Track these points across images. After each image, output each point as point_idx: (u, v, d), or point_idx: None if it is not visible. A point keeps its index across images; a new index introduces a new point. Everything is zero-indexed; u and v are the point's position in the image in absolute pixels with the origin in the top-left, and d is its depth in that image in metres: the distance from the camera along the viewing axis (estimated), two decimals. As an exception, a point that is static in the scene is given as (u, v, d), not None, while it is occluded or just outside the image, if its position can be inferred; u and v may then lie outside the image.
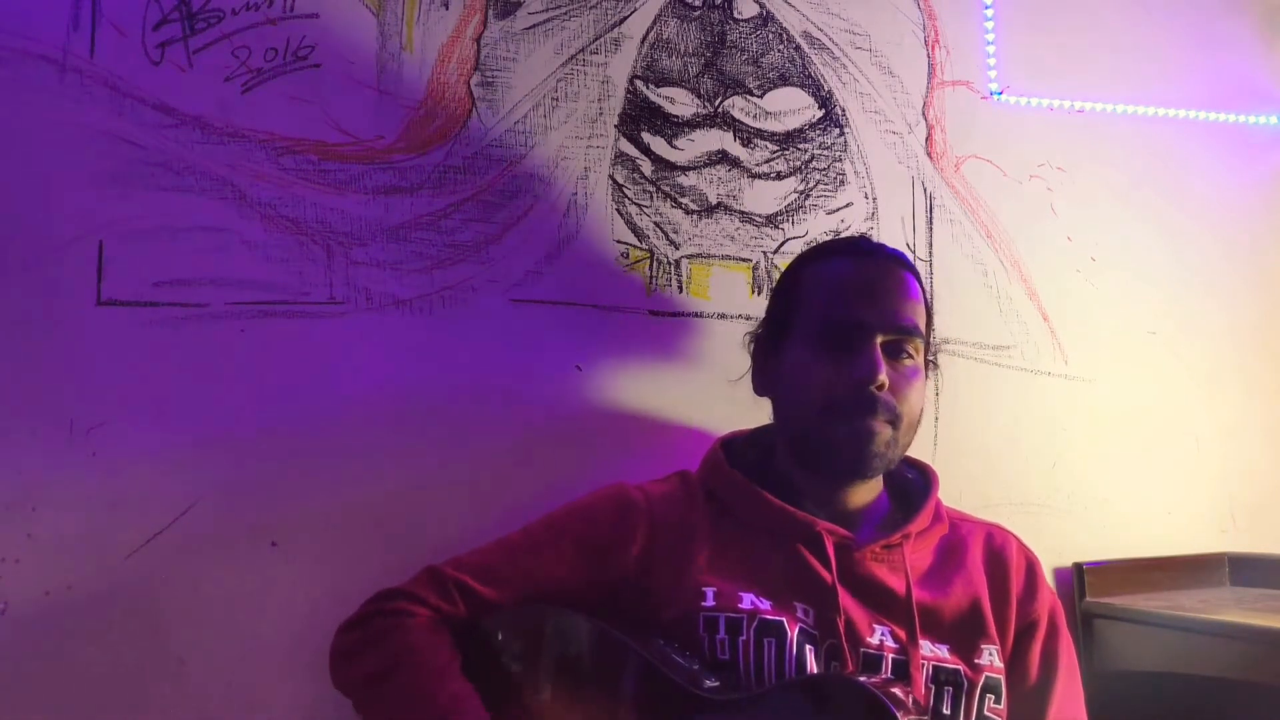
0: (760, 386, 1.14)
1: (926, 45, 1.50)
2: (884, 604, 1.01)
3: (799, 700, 0.90)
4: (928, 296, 1.12)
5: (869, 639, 0.99)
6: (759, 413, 1.14)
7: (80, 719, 1.07)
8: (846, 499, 1.07)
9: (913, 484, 1.14)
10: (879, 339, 1.03)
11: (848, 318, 1.04)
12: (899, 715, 0.80)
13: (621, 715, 0.94)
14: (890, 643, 0.99)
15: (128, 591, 1.09)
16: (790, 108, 1.42)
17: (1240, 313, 1.63)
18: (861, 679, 0.88)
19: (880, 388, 1.00)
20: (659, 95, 1.36)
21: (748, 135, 1.39)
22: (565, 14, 1.33)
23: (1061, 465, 1.50)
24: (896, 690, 0.87)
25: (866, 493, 1.09)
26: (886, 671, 0.97)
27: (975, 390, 1.46)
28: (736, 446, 1.14)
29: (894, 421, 1.02)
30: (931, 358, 1.13)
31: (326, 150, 1.21)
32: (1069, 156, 1.55)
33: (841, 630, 0.98)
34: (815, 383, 1.03)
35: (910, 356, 1.05)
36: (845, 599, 1.00)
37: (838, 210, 1.43)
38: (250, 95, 1.19)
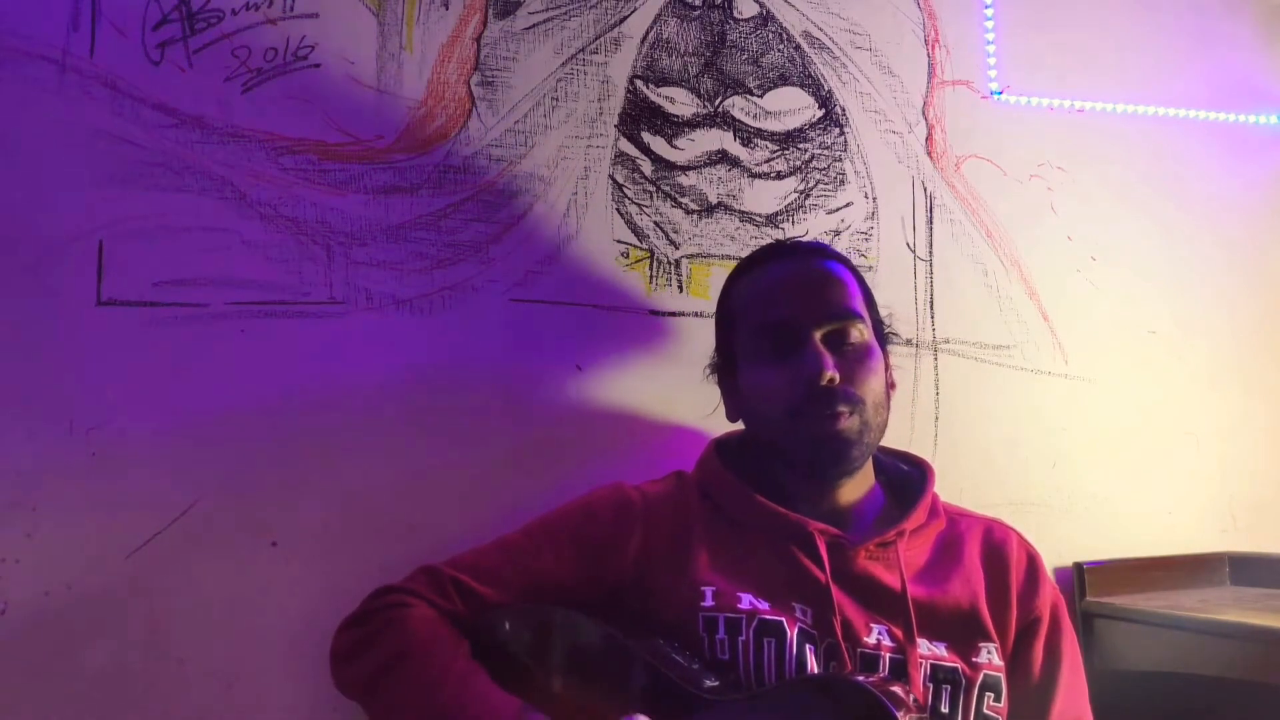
0: (731, 413, 1.15)
1: (926, 45, 1.50)
2: (880, 603, 1.01)
3: (798, 700, 0.89)
4: (860, 276, 1.11)
5: (866, 638, 0.98)
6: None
7: (80, 719, 1.07)
8: (838, 496, 1.07)
9: (909, 478, 1.13)
10: (816, 334, 1.03)
11: (780, 319, 1.04)
12: (898, 715, 0.80)
13: (619, 712, 0.94)
14: (887, 642, 0.99)
15: (128, 591, 1.09)
16: (790, 107, 1.42)
17: (1240, 313, 1.63)
18: (861, 678, 0.87)
19: (831, 381, 1.00)
20: (659, 95, 1.36)
21: (748, 135, 1.39)
22: (565, 14, 1.33)
23: (1061, 465, 1.50)
24: (897, 689, 0.86)
25: (857, 488, 1.08)
26: (884, 671, 0.97)
27: (975, 390, 1.46)
28: (731, 447, 1.13)
29: (857, 409, 1.02)
30: (890, 331, 1.13)
31: (326, 150, 1.21)
32: (1069, 156, 1.55)
33: (838, 630, 0.97)
34: (771, 392, 1.03)
35: (853, 342, 1.05)
36: (841, 598, 1.00)
37: (838, 210, 1.43)
38: (250, 95, 1.19)
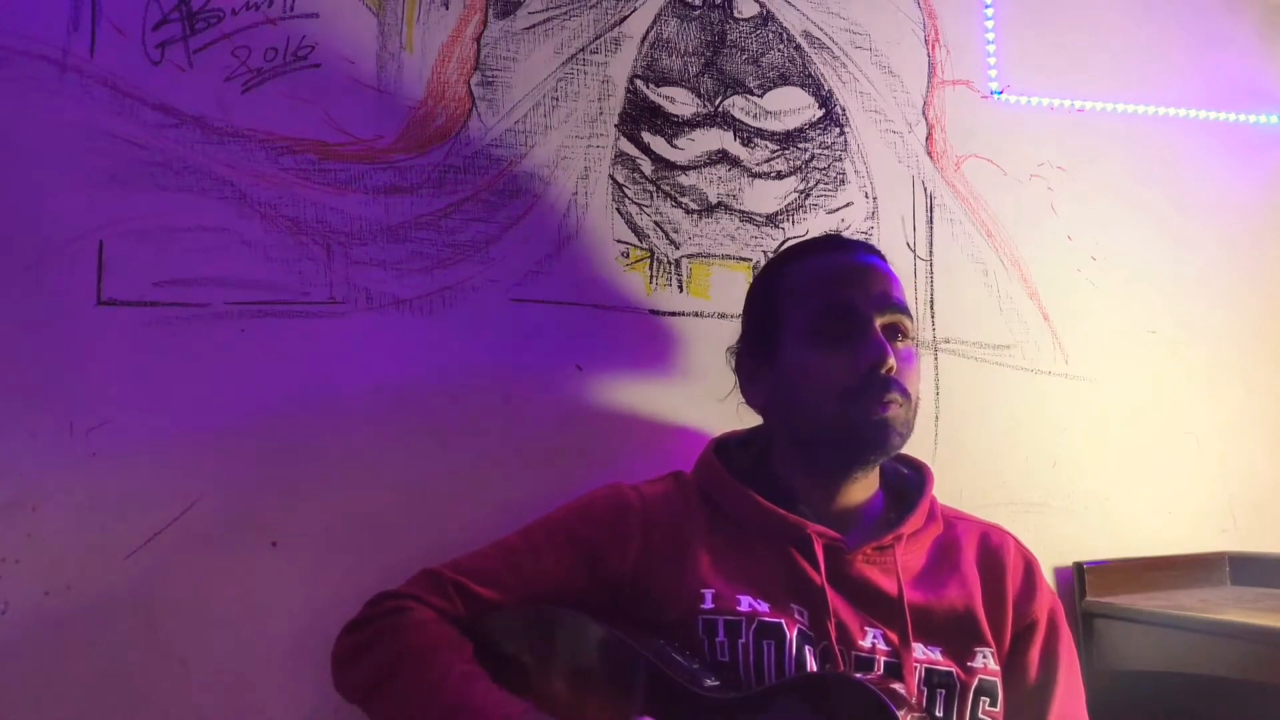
0: (753, 398, 1.12)
1: (926, 44, 1.50)
2: (876, 606, 1.01)
3: (798, 699, 0.89)
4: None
5: (860, 641, 0.98)
6: (756, 413, 1.14)
7: (80, 719, 1.07)
8: (842, 499, 1.06)
9: (908, 481, 1.13)
10: (877, 321, 1.03)
11: (843, 304, 1.03)
12: (898, 713, 0.80)
13: (620, 713, 0.94)
14: (882, 645, 0.98)
15: (128, 591, 1.09)
16: (790, 107, 1.42)
17: (1240, 313, 1.63)
18: (860, 676, 0.87)
19: (890, 370, 1.00)
20: (659, 95, 1.36)
21: (748, 135, 1.39)
22: (565, 14, 1.33)
23: (1061, 465, 1.50)
24: (898, 688, 0.87)
25: (862, 491, 1.08)
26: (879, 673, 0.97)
27: (975, 390, 1.46)
28: (731, 447, 1.13)
29: (904, 402, 1.02)
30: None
31: (326, 150, 1.21)
32: (1069, 156, 1.55)
33: (832, 633, 0.97)
34: (824, 376, 1.02)
35: (904, 338, 1.05)
36: (836, 601, 0.99)
37: (838, 210, 1.43)
38: (250, 95, 1.19)
